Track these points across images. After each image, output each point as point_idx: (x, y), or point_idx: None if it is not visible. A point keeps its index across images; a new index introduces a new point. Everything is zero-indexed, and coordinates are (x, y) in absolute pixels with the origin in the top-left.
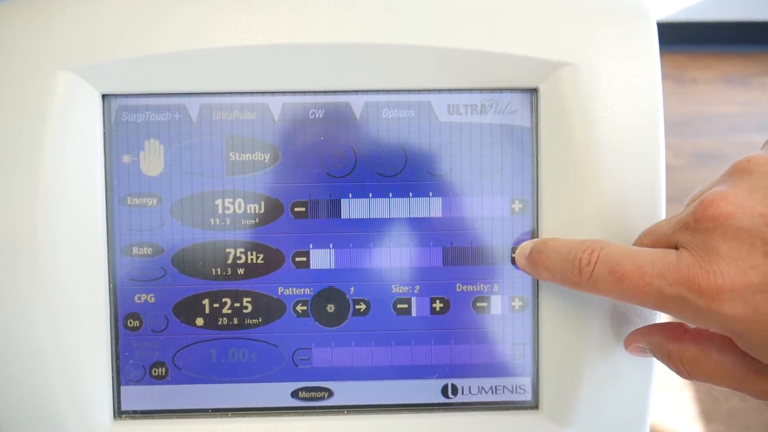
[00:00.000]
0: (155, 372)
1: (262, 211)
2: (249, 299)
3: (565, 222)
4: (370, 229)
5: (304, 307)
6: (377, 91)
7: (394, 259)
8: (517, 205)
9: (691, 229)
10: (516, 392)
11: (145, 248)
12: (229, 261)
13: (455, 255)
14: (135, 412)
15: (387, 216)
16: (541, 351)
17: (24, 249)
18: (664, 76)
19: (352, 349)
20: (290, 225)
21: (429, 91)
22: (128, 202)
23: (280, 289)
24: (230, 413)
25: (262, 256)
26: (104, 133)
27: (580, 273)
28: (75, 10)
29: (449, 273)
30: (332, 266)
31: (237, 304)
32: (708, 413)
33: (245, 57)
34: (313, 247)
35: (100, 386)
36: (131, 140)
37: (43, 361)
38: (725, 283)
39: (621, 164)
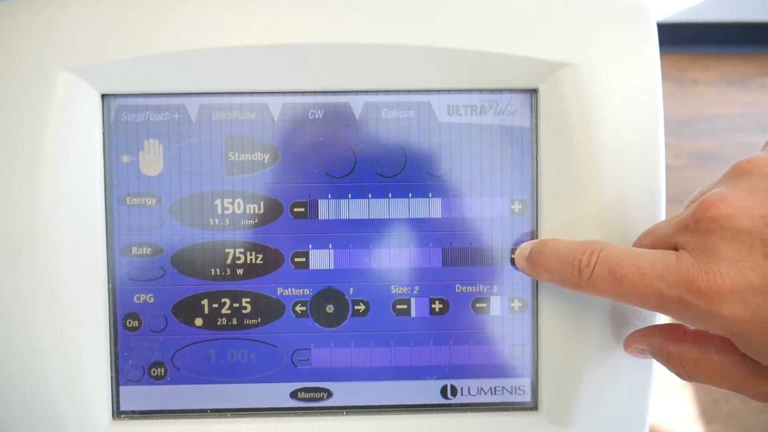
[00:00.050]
0: (154, 372)
1: (262, 211)
2: (248, 299)
3: (564, 223)
4: (370, 229)
5: (304, 308)
6: (377, 92)
7: (394, 260)
8: (516, 206)
9: (691, 231)
10: (515, 393)
11: (145, 248)
12: (229, 261)
13: (455, 256)
14: (134, 412)
15: (386, 216)
16: (540, 352)
17: (23, 249)
18: (665, 76)
19: (351, 349)
20: (290, 225)
21: (429, 91)
22: (127, 202)
23: (280, 290)
24: (229, 413)
25: (261, 256)
26: (104, 132)
27: (579, 274)
28: (75, 11)
29: (449, 274)
30: (331, 267)
31: (236, 305)
32: (708, 414)
33: (245, 57)
34: (312, 248)
35: (99, 386)
36: (131, 140)
37: (42, 360)
38: (725, 285)
39: (621, 165)
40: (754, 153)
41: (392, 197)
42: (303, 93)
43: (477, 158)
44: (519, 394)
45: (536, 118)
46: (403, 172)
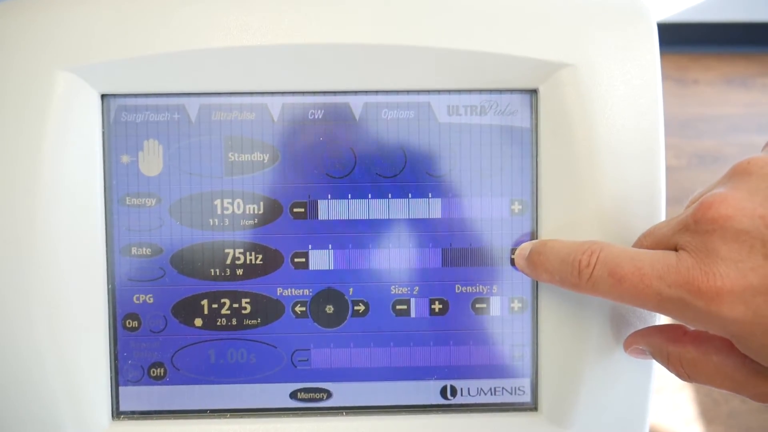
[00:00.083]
0: (154, 372)
1: (261, 211)
2: (248, 300)
3: (564, 223)
4: (370, 230)
5: (303, 308)
6: (377, 92)
7: (394, 260)
8: (516, 206)
9: (691, 231)
10: (515, 394)
11: (144, 248)
12: (228, 261)
13: (454, 256)
14: (133, 412)
15: (386, 217)
16: (540, 352)
17: (23, 249)
18: (665, 76)
19: (350, 350)
20: (289, 226)
21: (428, 91)
22: (127, 202)
23: (279, 290)
24: (228, 414)
25: (261, 256)
26: (103, 133)
27: (579, 275)
28: (74, 11)
29: (448, 274)
30: (331, 267)
31: (236, 305)
32: (708, 414)
33: (244, 57)
34: (312, 248)
35: (99, 386)
36: (130, 140)
37: (41, 361)
38: (725, 285)
39: (621, 165)
40: (755, 153)
41: (392, 198)
42: (303, 93)
43: (477, 159)
44: (519, 394)
45: (536, 118)
46: (402, 172)
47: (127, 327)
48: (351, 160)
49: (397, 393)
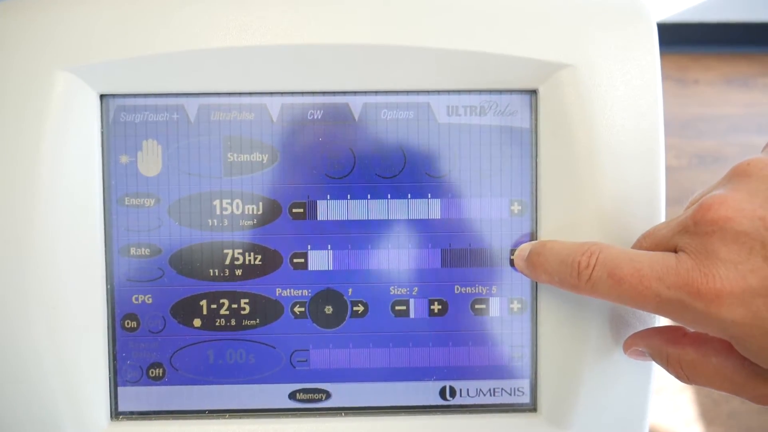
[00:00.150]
0: (152, 373)
1: (260, 212)
2: (247, 300)
3: (564, 224)
4: (369, 230)
5: (302, 309)
6: (376, 92)
7: (393, 261)
8: (516, 207)
9: (691, 233)
10: (514, 395)
11: (143, 249)
12: (227, 262)
13: (454, 257)
14: (132, 413)
15: (385, 217)
16: (539, 353)
17: (22, 249)
18: (666, 77)
19: (349, 350)
20: (288, 226)
21: (428, 92)
22: (126, 203)
23: (278, 291)
24: (227, 414)
25: (260, 257)
26: (102, 133)
27: (578, 276)
28: (73, 11)
29: (448, 275)
30: (330, 267)
31: (235, 305)
32: (708, 415)
33: (244, 57)
34: (311, 249)
35: (97, 387)
36: (129, 140)
37: (40, 361)
38: (724, 287)
39: (621, 166)
40: (755, 153)
41: (391, 198)
42: (302, 93)
43: (476, 159)
44: (518, 395)
45: (536, 118)
46: (402, 172)
47: (125, 327)
48: (350, 161)
49: (396, 394)
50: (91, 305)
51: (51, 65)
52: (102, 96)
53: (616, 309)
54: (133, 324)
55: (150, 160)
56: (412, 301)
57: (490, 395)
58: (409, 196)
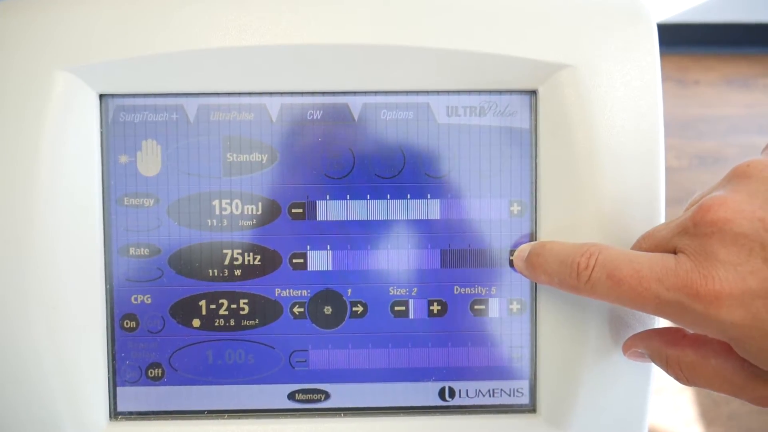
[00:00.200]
0: (151, 373)
1: (260, 212)
2: (246, 300)
3: (563, 225)
4: (368, 230)
5: (301, 309)
6: (376, 93)
7: (392, 261)
8: (515, 208)
9: (690, 234)
10: (514, 395)
11: (142, 249)
12: (226, 262)
13: (453, 257)
14: (131, 413)
15: (385, 218)
16: (539, 354)
17: (21, 249)
18: (666, 77)
19: (349, 351)
20: (288, 226)
21: (428, 92)
22: (125, 203)
23: (277, 291)
24: (226, 415)
25: (259, 257)
26: (101, 133)
27: (578, 277)
28: (73, 11)
29: (447, 275)
30: (329, 268)
31: (234, 306)
32: (708, 416)
33: (243, 57)
34: (310, 249)
35: (96, 387)
36: (128, 140)
37: (39, 361)
38: (723, 289)
39: (620, 167)
40: (755, 155)
41: (391, 198)
42: (301, 93)
43: (476, 160)
44: (517, 396)
45: (536, 119)
46: (401, 173)
47: (125, 327)
48: (350, 161)
49: (395, 394)
50: (91, 305)
51: (51, 65)
52: (101, 96)
53: (616, 310)
54: (133, 324)
55: (149, 160)
56: (411, 301)
57: (490, 396)
58: (409, 196)
